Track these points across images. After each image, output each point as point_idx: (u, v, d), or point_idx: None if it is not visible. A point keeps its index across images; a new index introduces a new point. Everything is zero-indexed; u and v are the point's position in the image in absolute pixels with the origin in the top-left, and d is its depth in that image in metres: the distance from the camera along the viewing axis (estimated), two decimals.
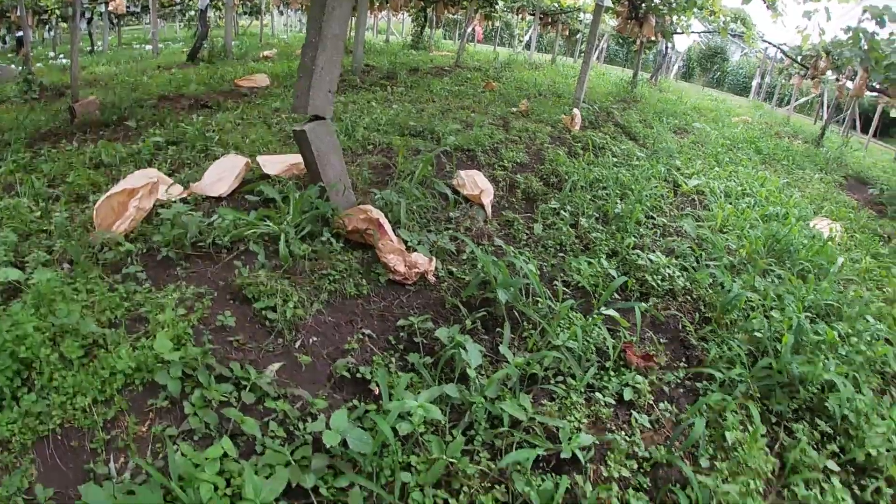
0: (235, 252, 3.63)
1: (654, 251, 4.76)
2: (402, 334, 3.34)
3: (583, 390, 3.19)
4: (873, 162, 13.66)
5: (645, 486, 2.86)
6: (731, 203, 6.55)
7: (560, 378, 3.26)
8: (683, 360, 3.83)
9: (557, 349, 3.28)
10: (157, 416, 2.58)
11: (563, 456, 2.78)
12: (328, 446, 2.38)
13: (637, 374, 3.41)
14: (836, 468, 3.07)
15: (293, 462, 2.43)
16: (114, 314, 2.98)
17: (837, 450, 3.21)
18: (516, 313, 3.60)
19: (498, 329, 3.52)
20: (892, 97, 11.19)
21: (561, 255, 4.62)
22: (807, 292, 4.48)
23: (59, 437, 2.44)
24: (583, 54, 10.98)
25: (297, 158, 5.03)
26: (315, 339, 3.15)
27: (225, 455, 2.34)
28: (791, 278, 4.77)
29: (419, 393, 2.77)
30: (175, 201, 4.26)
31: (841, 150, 12.75)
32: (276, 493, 2.24)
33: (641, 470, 2.94)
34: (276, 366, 2.90)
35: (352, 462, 2.52)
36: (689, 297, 4.41)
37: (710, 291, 4.43)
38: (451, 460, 2.54)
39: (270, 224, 3.84)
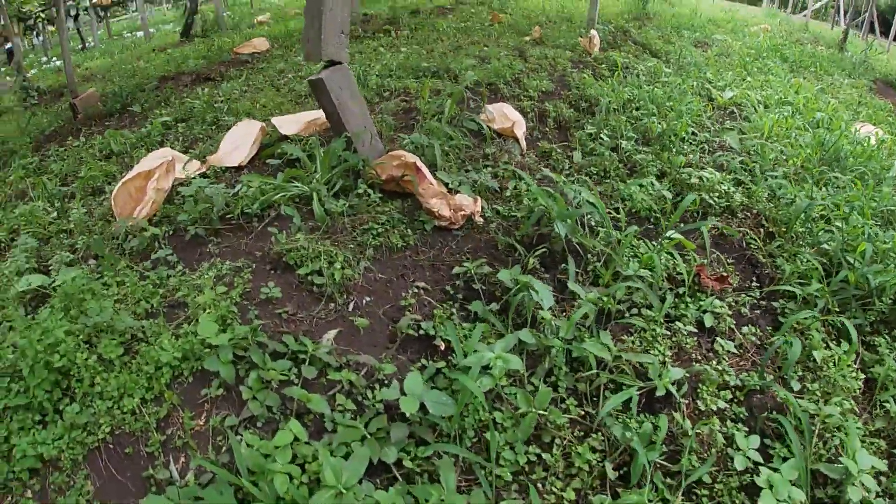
0: (267, 219, 3.34)
1: (704, 168, 4.37)
2: (458, 282, 3.05)
3: (662, 321, 2.89)
4: None
5: (741, 415, 2.62)
6: (771, 113, 6.07)
7: (635, 310, 2.97)
8: (754, 278, 3.51)
9: (629, 280, 2.96)
10: (213, 406, 2.35)
11: (658, 394, 2.52)
12: (406, 414, 2.13)
13: (714, 299, 3.10)
14: None
15: (369, 436, 2.19)
16: (149, 304, 2.73)
17: None
18: (576, 246, 3.27)
19: (560, 265, 3.21)
20: None
21: (607, 181, 4.26)
22: (867, 199, 4.10)
23: (112, 446, 2.22)
24: None
25: (314, 115, 4.69)
26: (368, 298, 2.88)
27: (295, 440, 2.10)
28: (857, 183, 4.35)
29: (490, 343, 2.50)
30: (194, 177, 3.97)
31: (865, 54, 11.98)
32: (359, 473, 2.00)
33: (735, 399, 2.69)
34: (333, 333, 2.64)
35: (432, 427, 2.27)
36: (748, 213, 4.04)
37: (770, 205, 4.05)
38: (540, 413, 2.28)
39: (299, 184, 3.54)
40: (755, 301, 3.31)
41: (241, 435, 2.23)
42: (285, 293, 2.79)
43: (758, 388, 2.71)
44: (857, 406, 2.71)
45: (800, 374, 2.85)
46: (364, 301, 2.85)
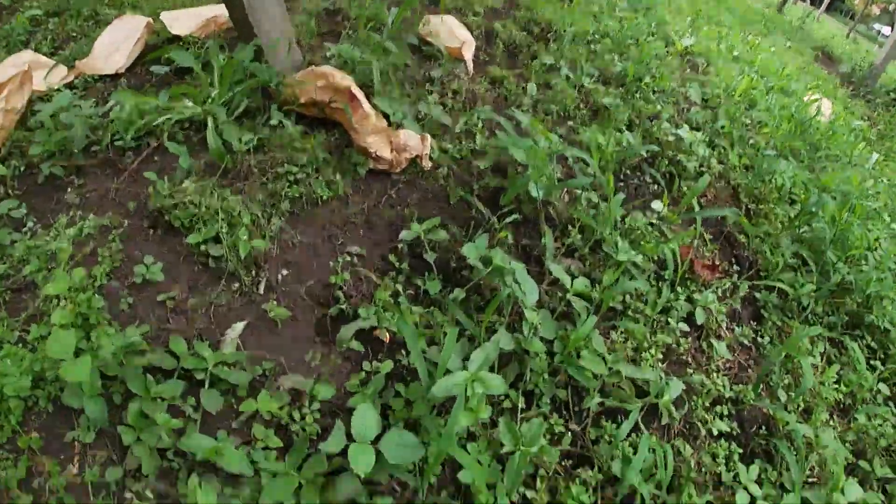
0: (145, 152, 2.41)
1: (678, 124, 3.66)
2: (402, 247, 2.31)
3: (655, 318, 2.31)
4: (831, 35, 12.52)
5: (734, 431, 2.22)
6: (733, 71, 5.38)
7: (619, 300, 2.34)
8: (733, 260, 2.96)
9: (619, 266, 2.32)
10: (87, 451, 1.60)
11: (662, 421, 2.03)
12: (360, 475, 1.44)
13: (708, 293, 2.55)
14: (889, 392, 2.60)
15: (305, 484, 1.53)
16: None
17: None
18: (548, 210, 2.57)
19: (526, 229, 2.51)
20: None
21: (569, 123, 3.51)
22: (840, 184, 3.56)
23: None
24: None
25: (214, 11, 3.59)
26: (284, 272, 2.09)
27: None
28: (854, 177, 3.71)
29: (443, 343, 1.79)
30: (58, 89, 2.91)
31: (804, 21, 11.56)
32: None
33: (729, 414, 2.27)
34: (239, 328, 1.86)
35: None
36: (724, 183, 3.40)
37: (750, 178, 3.42)
38: (531, 452, 1.66)
39: (190, 104, 2.58)
40: (739, 289, 2.81)
41: (131, 492, 1.53)
42: (170, 269, 1.96)
43: (751, 402, 2.30)
44: (835, 419, 2.48)
45: (785, 381, 2.47)
46: (280, 276, 2.06)
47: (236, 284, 1.97)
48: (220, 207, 2.06)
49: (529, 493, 1.71)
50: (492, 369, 1.82)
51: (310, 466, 1.54)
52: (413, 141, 2.61)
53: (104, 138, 2.41)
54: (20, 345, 1.70)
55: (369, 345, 1.96)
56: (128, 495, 1.53)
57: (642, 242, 2.48)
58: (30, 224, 2.15)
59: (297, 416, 1.68)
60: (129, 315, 1.82)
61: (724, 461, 2.05)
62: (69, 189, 2.27)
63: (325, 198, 2.36)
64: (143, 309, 1.84)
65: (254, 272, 2.02)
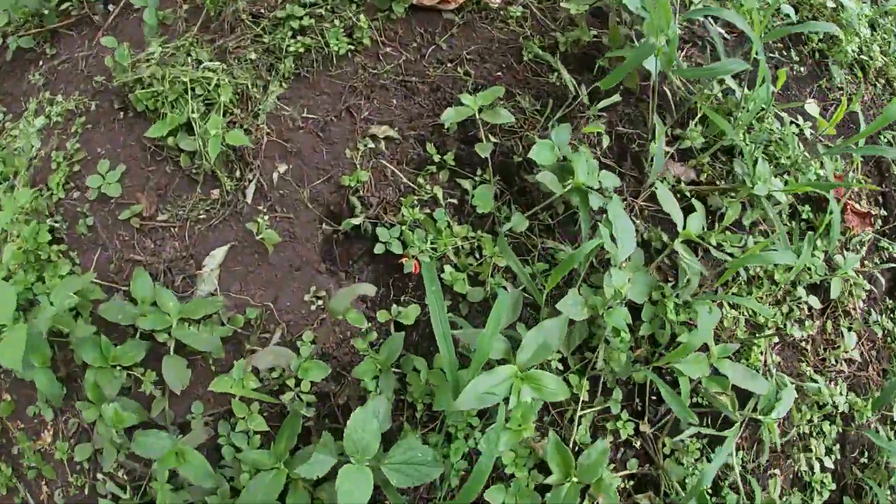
0: (122, 2, 1.83)
1: None
2: (448, 126, 1.63)
3: (783, 287, 1.56)
4: None
5: (834, 453, 1.62)
6: None
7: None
8: (880, 199, 1.93)
9: (753, 197, 1.50)
10: (52, 429, 1.38)
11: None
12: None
13: (856, 257, 1.71)
14: None
15: (294, 480, 1.19)
16: None
17: None
18: (666, 89, 1.68)
19: (625, 112, 1.67)
20: None
21: None
22: None
23: None
24: None
25: None
26: (282, 169, 1.53)
27: None
28: None
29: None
30: None
31: None
32: None
33: (837, 435, 1.64)
34: (219, 255, 1.41)
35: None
36: (884, 82, 2.18)
37: None
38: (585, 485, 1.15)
39: None
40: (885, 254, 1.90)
41: (102, 474, 1.32)
42: (136, 173, 1.48)
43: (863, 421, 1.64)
44: None
45: None
46: (275, 175, 1.52)
47: (216, 190, 1.48)
48: (189, 80, 1.48)
49: None
50: None
51: (302, 456, 1.15)
52: None
53: None
54: None
55: (391, 280, 1.43)
56: (100, 476, 1.27)
57: (788, 166, 1.62)
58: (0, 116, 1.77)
59: (291, 382, 1.27)
60: (89, 240, 1.43)
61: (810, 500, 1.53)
62: (40, 63, 1.81)
63: (343, 52, 1.68)
64: (105, 231, 1.43)
65: (239, 172, 1.49)
